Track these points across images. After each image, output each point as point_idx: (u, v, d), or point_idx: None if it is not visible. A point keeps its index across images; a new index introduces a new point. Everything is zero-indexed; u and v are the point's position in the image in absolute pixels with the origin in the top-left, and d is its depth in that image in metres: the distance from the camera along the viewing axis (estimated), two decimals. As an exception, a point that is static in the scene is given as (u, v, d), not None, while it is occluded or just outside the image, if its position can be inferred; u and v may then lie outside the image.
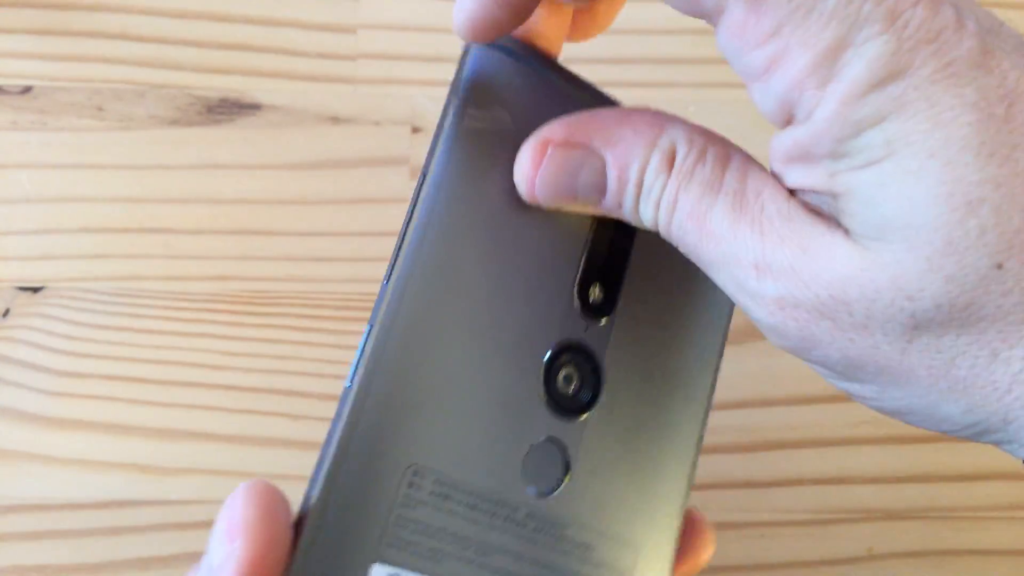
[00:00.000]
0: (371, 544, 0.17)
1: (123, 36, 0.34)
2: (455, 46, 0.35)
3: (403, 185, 0.34)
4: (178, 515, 0.31)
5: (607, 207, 0.18)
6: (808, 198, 0.16)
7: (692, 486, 0.20)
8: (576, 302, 0.19)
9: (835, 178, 0.15)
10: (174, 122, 0.34)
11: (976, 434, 0.16)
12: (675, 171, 0.17)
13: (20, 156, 0.33)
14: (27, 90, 0.34)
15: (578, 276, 0.19)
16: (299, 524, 0.16)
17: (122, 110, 0.34)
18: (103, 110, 0.34)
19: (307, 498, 0.17)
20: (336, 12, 0.35)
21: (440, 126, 0.19)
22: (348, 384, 0.17)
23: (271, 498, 0.16)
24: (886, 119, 0.14)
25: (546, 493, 0.19)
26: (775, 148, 0.16)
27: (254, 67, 0.35)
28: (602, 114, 0.18)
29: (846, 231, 0.15)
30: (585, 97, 0.20)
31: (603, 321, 0.19)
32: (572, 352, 0.19)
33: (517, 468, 0.18)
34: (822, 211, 0.16)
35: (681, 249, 0.17)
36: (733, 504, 0.33)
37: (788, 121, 0.15)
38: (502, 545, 0.18)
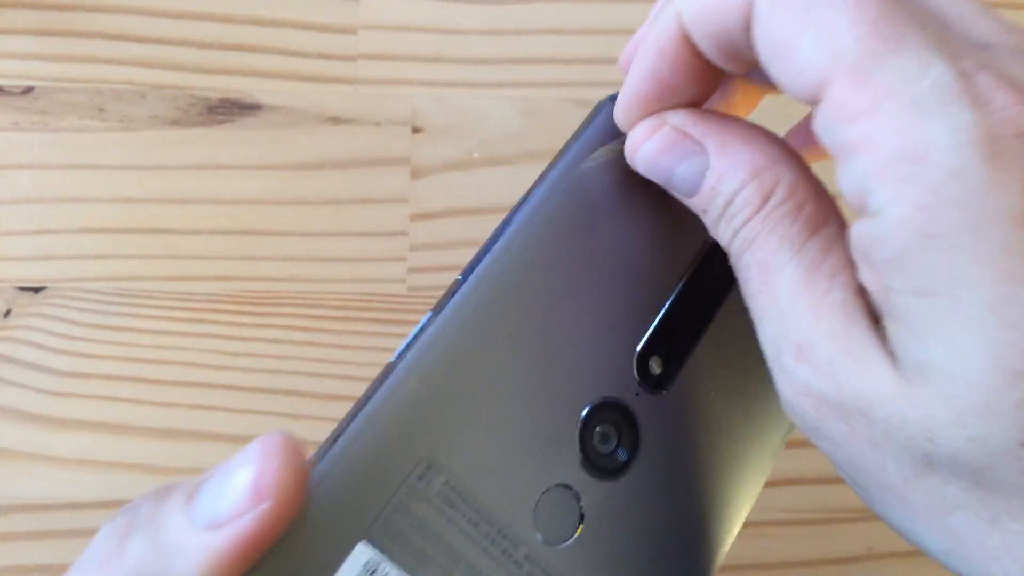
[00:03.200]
0: (366, 520, 0.16)
1: (124, 37, 0.34)
2: (455, 46, 0.35)
3: (403, 185, 0.34)
4: (179, 515, 0.31)
5: (693, 205, 0.18)
6: (872, 297, 0.15)
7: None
8: (635, 367, 0.19)
9: (889, 295, 0.14)
10: (175, 123, 0.34)
11: (948, 566, 0.15)
12: (763, 211, 0.16)
13: (21, 156, 0.33)
14: (28, 91, 0.34)
15: (641, 344, 0.19)
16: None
17: (123, 111, 0.34)
18: (104, 111, 0.34)
19: (320, 455, 0.16)
20: (336, 12, 0.35)
21: (556, 160, 0.19)
22: (394, 359, 0.17)
23: (302, 460, 0.15)
24: (957, 247, 0.13)
25: (551, 542, 0.18)
26: (850, 234, 0.15)
27: (254, 67, 0.35)
28: (728, 121, 0.17)
29: (892, 352, 0.14)
30: None
31: (657, 394, 0.19)
32: (616, 412, 0.18)
33: (531, 505, 0.18)
34: (880, 317, 0.15)
35: (738, 280, 0.17)
36: (733, 504, 0.33)
37: (860, 210, 0.14)
38: (491, 574, 0.17)
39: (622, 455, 0.18)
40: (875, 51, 0.14)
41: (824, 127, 0.15)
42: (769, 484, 0.33)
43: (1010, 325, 0.13)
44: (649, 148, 0.18)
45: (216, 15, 0.35)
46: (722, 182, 0.17)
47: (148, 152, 0.34)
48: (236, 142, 0.34)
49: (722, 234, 0.17)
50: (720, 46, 0.16)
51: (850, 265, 0.15)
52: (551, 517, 0.18)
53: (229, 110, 0.34)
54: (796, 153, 0.17)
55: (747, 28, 0.15)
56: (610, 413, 0.18)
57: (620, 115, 0.18)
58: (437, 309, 0.17)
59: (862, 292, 0.15)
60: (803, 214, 0.16)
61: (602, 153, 0.19)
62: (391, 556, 0.16)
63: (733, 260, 0.17)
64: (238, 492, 0.14)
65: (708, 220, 0.17)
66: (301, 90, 0.35)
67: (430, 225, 0.34)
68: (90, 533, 0.18)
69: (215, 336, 0.33)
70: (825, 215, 0.16)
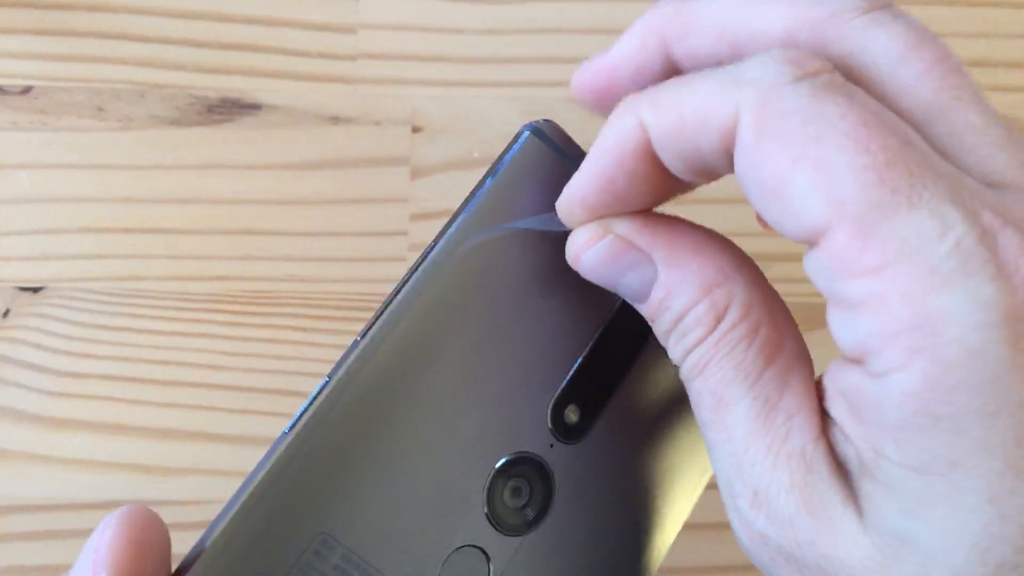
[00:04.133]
0: None
1: (123, 36, 0.34)
2: (455, 46, 0.35)
3: (403, 185, 0.34)
4: (179, 515, 0.31)
5: (641, 311, 0.17)
6: (840, 442, 0.14)
7: None
8: (549, 418, 0.18)
9: (879, 460, 0.13)
10: (174, 122, 0.34)
11: None
12: (716, 334, 0.15)
13: (21, 156, 0.33)
14: (28, 90, 0.34)
15: (558, 393, 0.18)
16: (195, 556, 0.16)
17: (122, 110, 0.34)
18: (103, 110, 0.34)
19: (206, 535, 0.16)
20: (336, 12, 0.35)
21: (468, 199, 0.18)
22: (286, 430, 0.16)
23: (147, 529, 0.15)
24: (965, 432, 0.12)
25: None
26: (835, 370, 0.14)
27: (254, 67, 0.35)
28: (678, 229, 0.16)
29: (860, 510, 0.14)
30: None
31: (571, 444, 0.18)
32: (527, 466, 0.18)
33: (436, 568, 0.17)
34: (846, 467, 0.14)
35: (690, 402, 0.16)
36: (733, 504, 0.33)
37: (857, 363, 0.13)
38: None
39: (532, 509, 0.18)
40: (883, 203, 0.12)
41: (819, 274, 0.13)
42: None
43: (1005, 517, 0.12)
44: (592, 256, 0.16)
45: (216, 15, 0.35)
46: (671, 297, 0.16)
47: (147, 152, 0.34)
48: (236, 142, 0.34)
49: (672, 350, 0.16)
50: (689, 165, 0.15)
51: (808, 401, 0.15)
52: None
53: (229, 110, 0.34)
54: (750, 262, 0.16)
55: (725, 153, 0.14)
56: (522, 467, 0.18)
57: (563, 211, 0.17)
58: (331, 374, 0.17)
59: (823, 436, 0.14)
60: (758, 339, 0.15)
61: (515, 196, 0.18)
62: None
63: (683, 379, 0.16)
64: (83, 570, 0.15)
65: (657, 331, 0.16)
66: (301, 90, 0.34)
67: (430, 225, 0.34)
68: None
69: (214, 336, 0.33)
70: (780, 337, 0.15)
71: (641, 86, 0.16)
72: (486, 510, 0.18)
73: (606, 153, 0.15)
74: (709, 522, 0.33)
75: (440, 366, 0.17)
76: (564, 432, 0.18)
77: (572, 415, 0.18)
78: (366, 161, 0.34)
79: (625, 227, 0.16)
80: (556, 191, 0.18)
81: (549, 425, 0.18)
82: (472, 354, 0.18)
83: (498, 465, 0.18)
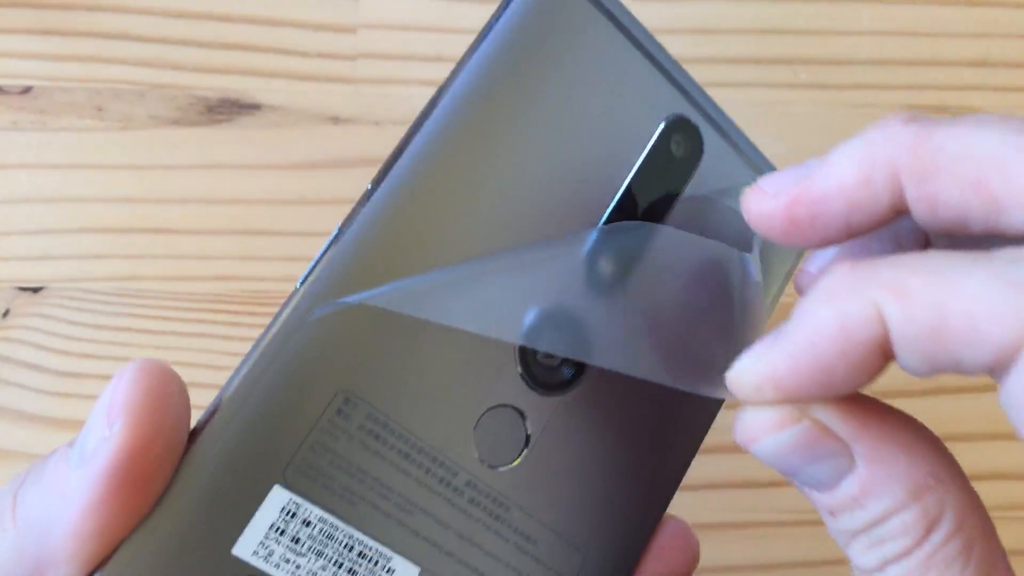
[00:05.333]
0: (279, 462, 0.15)
1: (123, 36, 0.34)
2: (455, 46, 0.35)
3: (403, 185, 0.34)
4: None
5: (815, 500, 0.14)
6: None
7: (670, 504, 0.18)
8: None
9: None
10: (174, 122, 0.34)
11: None
12: (927, 547, 0.13)
13: (20, 156, 0.33)
14: (27, 90, 0.34)
15: (588, 245, 0.17)
16: (206, 420, 0.15)
17: (122, 110, 0.34)
18: (103, 110, 0.34)
19: (220, 394, 0.15)
20: (336, 12, 0.35)
21: (481, 30, 0.16)
22: (298, 285, 0.15)
23: (164, 380, 0.14)
24: None
25: (494, 465, 0.16)
26: None
27: (254, 67, 0.35)
28: (883, 418, 0.14)
29: None
30: (660, 83, 0.17)
31: (608, 299, 0.17)
32: (563, 320, 0.16)
33: (469, 428, 0.16)
34: None
35: None
36: (733, 504, 0.33)
37: None
38: (428, 507, 0.16)
39: (568, 368, 0.17)
40: None
41: None
42: (769, 484, 0.33)
43: None
44: (778, 442, 0.14)
45: (216, 15, 0.35)
46: (869, 496, 0.13)
47: (147, 152, 0.34)
48: (236, 142, 0.34)
49: (860, 555, 0.14)
50: (933, 367, 0.12)
51: None
52: (494, 439, 0.16)
53: (228, 110, 0.34)
54: (958, 465, 0.14)
55: (991, 367, 0.12)
56: (556, 321, 0.16)
57: (745, 387, 0.14)
58: (345, 226, 0.15)
59: None
60: (975, 556, 0.13)
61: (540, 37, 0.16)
62: (311, 497, 0.15)
63: None
64: (97, 421, 0.14)
65: (836, 526, 0.14)
66: (301, 90, 0.34)
67: (430, 225, 0.34)
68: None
69: (214, 336, 0.33)
70: (995, 554, 0.13)
71: (852, 225, 0.14)
72: (519, 369, 0.16)
73: (826, 340, 0.13)
74: (710, 522, 0.33)
75: (465, 216, 0.16)
76: (603, 285, 0.17)
77: (607, 266, 0.17)
78: (366, 161, 0.34)
79: (826, 413, 0.13)
80: (583, 40, 0.16)
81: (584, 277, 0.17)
82: (496, 205, 0.16)
83: (528, 319, 0.16)
